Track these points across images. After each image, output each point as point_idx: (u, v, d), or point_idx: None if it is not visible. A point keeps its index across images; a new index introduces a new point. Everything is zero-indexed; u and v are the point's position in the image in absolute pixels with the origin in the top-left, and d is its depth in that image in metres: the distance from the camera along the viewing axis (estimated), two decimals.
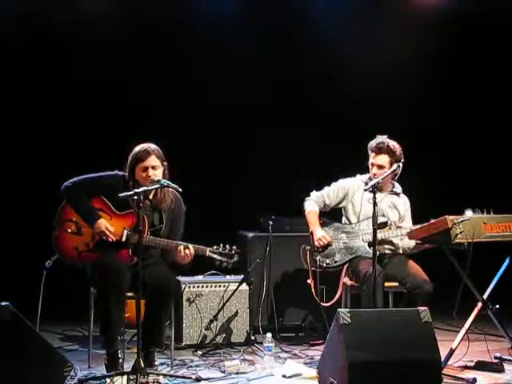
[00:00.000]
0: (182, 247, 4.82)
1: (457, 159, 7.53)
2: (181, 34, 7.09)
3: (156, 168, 4.87)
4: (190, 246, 4.83)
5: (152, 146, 4.92)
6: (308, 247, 5.40)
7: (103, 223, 4.82)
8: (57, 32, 6.80)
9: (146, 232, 4.87)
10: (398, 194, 5.46)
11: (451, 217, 4.65)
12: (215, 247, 4.87)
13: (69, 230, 4.87)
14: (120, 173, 4.97)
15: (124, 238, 4.85)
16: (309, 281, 5.41)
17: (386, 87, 7.20)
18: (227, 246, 4.88)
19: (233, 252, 4.87)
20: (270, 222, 6.09)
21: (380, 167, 5.28)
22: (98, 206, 4.90)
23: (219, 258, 4.86)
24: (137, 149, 4.94)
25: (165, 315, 4.95)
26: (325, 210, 5.50)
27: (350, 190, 5.43)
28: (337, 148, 7.06)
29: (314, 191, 5.52)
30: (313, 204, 5.47)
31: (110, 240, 4.82)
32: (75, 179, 4.91)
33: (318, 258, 5.32)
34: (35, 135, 6.93)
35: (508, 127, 7.42)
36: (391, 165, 5.25)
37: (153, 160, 4.87)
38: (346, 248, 5.32)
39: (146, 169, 4.86)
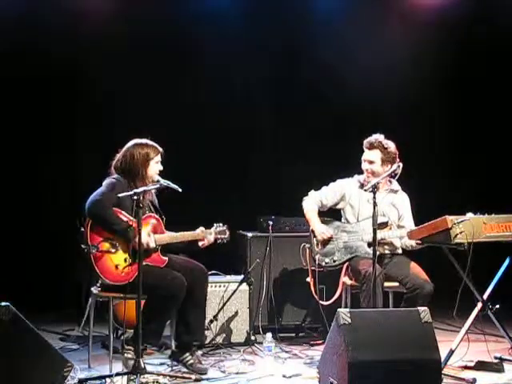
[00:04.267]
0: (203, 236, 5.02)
1: (457, 159, 7.53)
2: (181, 33, 7.09)
3: None
4: (201, 234, 5.04)
5: (149, 142, 4.98)
6: (308, 245, 5.40)
7: (145, 237, 4.74)
8: (56, 32, 6.81)
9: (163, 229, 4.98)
10: (395, 192, 5.46)
11: (451, 217, 4.64)
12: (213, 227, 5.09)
13: (105, 250, 4.73)
14: (117, 177, 4.91)
15: (153, 244, 4.84)
16: (308, 279, 5.41)
17: (386, 87, 7.20)
18: (220, 224, 5.11)
19: (224, 228, 5.13)
20: (270, 222, 6.08)
21: (371, 162, 5.29)
22: (123, 218, 4.81)
23: (217, 236, 5.08)
24: (143, 146, 4.93)
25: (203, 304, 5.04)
26: (322, 210, 5.51)
27: (347, 190, 5.43)
28: (337, 148, 7.05)
29: (313, 191, 5.52)
30: (311, 203, 5.47)
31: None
32: (95, 198, 4.74)
33: (317, 257, 5.32)
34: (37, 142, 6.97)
35: (508, 127, 7.41)
36: (382, 161, 5.26)
37: (159, 157, 4.97)
38: (346, 247, 5.32)
39: (159, 162, 4.94)
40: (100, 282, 4.84)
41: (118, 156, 4.98)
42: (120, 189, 4.78)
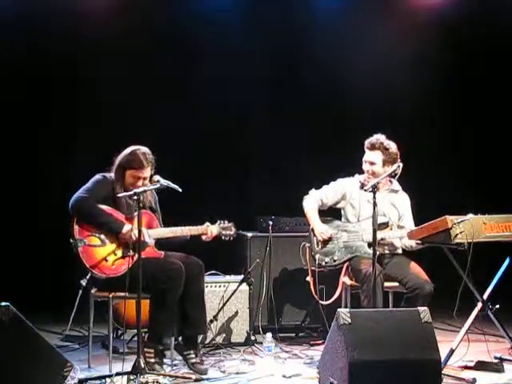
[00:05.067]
0: (209, 230, 5.04)
1: (456, 159, 7.52)
2: (181, 33, 7.09)
3: (146, 179, 4.88)
4: (203, 229, 5.05)
5: (148, 155, 4.90)
6: (308, 245, 5.39)
7: (130, 229, 4.78)
8: (57, 32, 6.80)
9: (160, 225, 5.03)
10: (396, 192, 5.45)
11: (451, 217, 4.64)
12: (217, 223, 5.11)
13: (93, 244, 4.77)
14: (107, 174, 4.95)
15: (147, 238, 4.87)
16: (308, 278, 5.40)
17: (387, 87, 7.19)
18: (225, 221, 5.12)
19: (230, 224, 5.13)
20: (270, 222, 6.08)
21: (372, 164, 5.28)
22: (109, 212, 4.85)
23: (223, 232, 5.09)
24: (133, 154, 4.89)
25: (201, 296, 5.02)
26: (323, 209, 5.50)
27: (348, 189, 5.42)
28: (338, 148, 7.05)
29: (313, 189, 5.51)
30: (311, 202, 5.46)
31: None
32: (80, 195, 4.80)
33: (317, 256, 5.32)
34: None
35: (509, 127, 7.41)
36: (384, 163, 5.25)
37: (147, 171, 4.87)
38: (346, 247, 5.31)
39: (138, 178, 4.86)
40: (89, 275, 4.80)
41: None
42: (102, 187, 4.86)
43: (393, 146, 5.29)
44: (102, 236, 4.80)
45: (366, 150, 5.32)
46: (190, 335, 4.96)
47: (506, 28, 7.21)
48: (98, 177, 4.93)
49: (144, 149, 4.93)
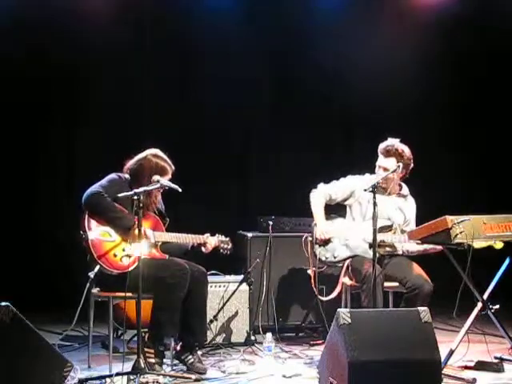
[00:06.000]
0: (208, 241, 5.08)
1: (457, 159, 7.53)
2: (181, 33, 7.09)
3: None
4: (204, 238, 5.09)
5: (168, 159, 4.97)
6: (310, 238, 5.38)
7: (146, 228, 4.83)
8: (58, 31, 6.81)
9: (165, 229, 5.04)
10: (404, 197, 5.43)
11: (451, 217, 4.63)
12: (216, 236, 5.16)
13: (103, 238, 4.80)
14: (121, 174, 4.97)
15: (153, 240, 4.91)
16: (309, 271, 5.39)
17: (387, 87, 7.20)
18: (222, 235, 5.19)
19: (228, 239, 5.20)
20: (270, 222, 6.08)
21: (386, 170, 5.24)
22: (121, 208, 4.86)
23: (221, 245, 5.15)
24: (160, 160, 4.93)
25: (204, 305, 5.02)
26: (329, 204, 5.46)
27: (357, 187, 5.37)
28: (338, 148, 7.06)
29: (322, 183, 5.44)
30: (319, 196, 5.39)
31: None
32: (94, 189, 4.80)
33: (318, 251, 5.31)
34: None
35: (508, 127, 7.42)
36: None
37: (170, 175, 4.96)
38: (347, 245, 5.30)
39: None
40: (98, 269, 4.76)
41: (135, 158, 5.00)
42: (119, 186, 4.84)
43: (407, 152, 5.24)
44: (112, 231, 4.82)
45: (381, 156, 5.27)
46: (189, 343, 4.96)
47: (505, 28, 7.21)
48: (113, 176, 4.94)
49: (160, 152, 4.98)
